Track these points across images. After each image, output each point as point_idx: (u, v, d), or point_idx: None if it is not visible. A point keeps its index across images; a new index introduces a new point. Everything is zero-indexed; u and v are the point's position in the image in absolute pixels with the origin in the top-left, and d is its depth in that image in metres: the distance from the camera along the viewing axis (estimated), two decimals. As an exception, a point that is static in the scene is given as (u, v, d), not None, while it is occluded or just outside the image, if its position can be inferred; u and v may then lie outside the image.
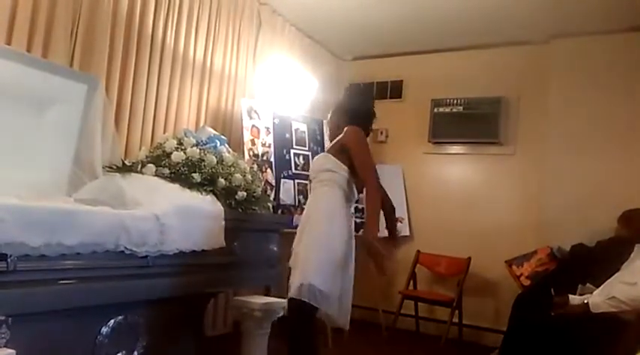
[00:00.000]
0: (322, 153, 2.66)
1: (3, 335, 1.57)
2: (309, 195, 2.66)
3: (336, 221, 2.43)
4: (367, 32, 4.81)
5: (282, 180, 4.04)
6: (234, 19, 4.05)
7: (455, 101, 4.88)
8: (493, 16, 4.25)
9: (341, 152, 2.51)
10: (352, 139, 2.50)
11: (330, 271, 2.31)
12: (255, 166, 3.56)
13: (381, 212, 2.61)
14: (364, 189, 2.50)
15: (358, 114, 2.67)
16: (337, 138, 2.58)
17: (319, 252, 2.33)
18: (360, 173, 2.48)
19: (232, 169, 2.78)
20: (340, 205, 2.48)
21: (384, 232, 2.81)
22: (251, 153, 3.85)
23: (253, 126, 3.97)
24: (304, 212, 2.57)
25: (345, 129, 2.54)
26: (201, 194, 2.52)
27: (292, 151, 4.24)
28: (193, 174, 2.57)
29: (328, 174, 2.49)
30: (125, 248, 1.99)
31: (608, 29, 4.17)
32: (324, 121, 4.03)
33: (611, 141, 4.17)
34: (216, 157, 2.71)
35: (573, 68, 4.40)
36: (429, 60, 5.16)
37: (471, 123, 4.80)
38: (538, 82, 4.58)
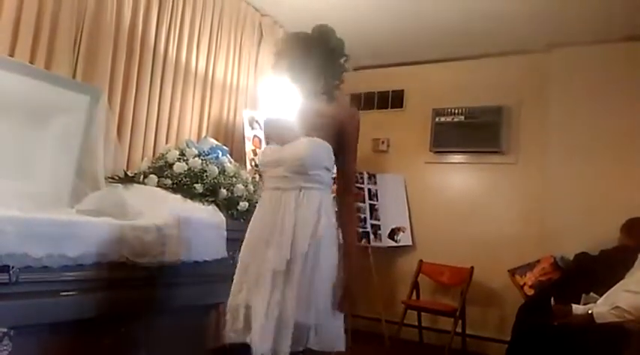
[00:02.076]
0: (319, 140, 1.85)
1: (5, 347, 1.57)
2: (281, 196, 1.86)
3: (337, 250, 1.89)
4: (368, 42, 4.82)
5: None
6: (236, 30, 4.07)
7: (456, 110, 4.88)
8: (493, 26, 4.27)
9: (330, 138, 1.88)
10: (356, 127, 1.93)
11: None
12: (257, 176, 3.56)
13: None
14: (341, 197, 1.96)
15: (333, 62, 2.04)
16: (325, 113, 1.92)
17: (329, 294, 1.81)
18: (347, 174, 1.95)
19: (234, 180, 2.79)
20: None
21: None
22: (253, 163, 3.85)
23: (255, 136, 3.97)
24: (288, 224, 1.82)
25: (351, 110, 2.05)
26: (203, 204, 2.53)
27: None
28: (195, 185, 2.57)
29: (324, 173, 1.89)
30: (127, 259, 1.99)
31: (607, 38, 4.18)
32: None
33: (613, 148, 4.16)
34: (218, 168, 2.72)
35: (573, 77, 4.40)
36: (430, 70, 5.17)
37: (472, 132, 4.80)
38: (539, 91, 4.58)
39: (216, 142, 3.28)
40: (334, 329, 1.82)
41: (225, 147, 3.17)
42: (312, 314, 1.75)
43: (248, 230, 1.93)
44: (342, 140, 1.90)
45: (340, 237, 1.91)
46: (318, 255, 1.80)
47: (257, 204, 2.00)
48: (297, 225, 1.81)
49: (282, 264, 1.76)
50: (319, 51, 1.98)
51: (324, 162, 1.87)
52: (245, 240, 1.93)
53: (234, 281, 1.88)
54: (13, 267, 1.60)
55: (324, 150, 1.87)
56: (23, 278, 1.63)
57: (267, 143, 2.10)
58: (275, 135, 2.01)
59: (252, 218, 1.95)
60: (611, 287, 3.07)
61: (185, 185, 2.56)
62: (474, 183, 4.91)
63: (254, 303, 1.78)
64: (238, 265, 1.91)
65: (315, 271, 1.78)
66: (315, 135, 1.86)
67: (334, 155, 1.89)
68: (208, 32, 3.81)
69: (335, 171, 1.93)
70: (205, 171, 2.65)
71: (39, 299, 1.72)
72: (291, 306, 1.73)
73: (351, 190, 1.96)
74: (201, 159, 2.71)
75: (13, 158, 2.24)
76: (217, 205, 2.59)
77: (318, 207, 1.84)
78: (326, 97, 1.98)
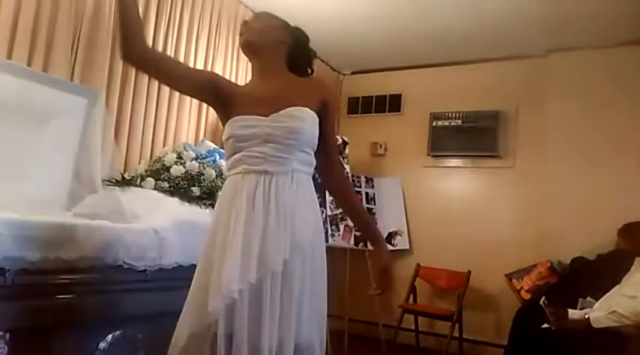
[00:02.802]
0: (311, 111, 1.63)
1: (1, 351, 1.56)
2: (271, 181, 1.56)
3: None
4: (366, 46, 4.84)
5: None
6: (234, 33, 4.07)
7: (454, 115, 4.90)
8: (492, 31, 4.28)
9: (315, 109, 1.66)
10: (334, 98, 1.79)
11: None
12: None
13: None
14: (333, 182, 1.78)
15: (305, 57, 1.84)
16: (305, 82, 1.75)
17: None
18: (332, 149, 1.76)
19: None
20: None
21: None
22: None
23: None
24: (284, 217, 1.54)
25: (323, 81, 1.87)
26: (200, 208, 2.52)
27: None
28: (192, 188, 2.57)
29: (311, 154, 1.67)
30: (124, 262, 1.98)
31: (605, 43, 4.20)
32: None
33: (610, 153, 4.17)
34: (215, 171, 2.71)
35: (571, 82, 4.42)
36: (427, 74, 5.19)
37: (469, 136, 4.81)
38: (536, 95, 4.60)
39: (213, 145, 3.28)
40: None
41: (222, 150, 3.16)
42: (320, 327, 1.54)
43: (212, 230, 1.64)
44: (325, 115, 1.70)
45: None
46: (315, 255, 1.59)
47: (223, 192, 1.68)
48: (296, 217, 1.53)
49: (279, 264, 1.47)
50: (292, 37, 1.79)
51: (316, 136, 1.65)
52: (207, 244, 1.65)
53: (193, 300, 1.59)
54: (8, 270, 1.59)
55: (315, 123, 1.65)
56: (19, 282, 1.62)
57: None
58: (244, 104, 1.66)
59: (218, 214, 1.64)
60: (608, 291, 3.08)
61: (182, 188, 2.56)
62: (471, 188, 4.92)
63: (240, 333, 1.44)
64: (197, 277, 1.61)
65: (316, 274, 1.58)
66: (302, 105, 1.62)
67: (322, 137, 1.69)
68: (206, 34, 3.81)
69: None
70: (202, 174, 2.65)
71: (35, 302, 1.71)
72: (293, 324, 1.48)
73: (340, 165, 1.81)
74: (199, 162, 2.70)
75: (10, 160, 2.23)
76: (214, 208, 2.59)
77: (311, 195, 1.62)
78: (294, 74, 1.78)
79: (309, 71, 1.84)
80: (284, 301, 1.49)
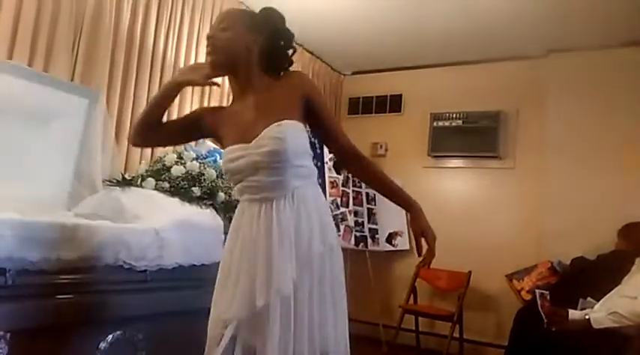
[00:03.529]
0: (289, 121, 1.53)
1: (1, 351, 1.56)
2: (272, 207, 1.52)
3: None
4: (367, 47, 4.84)
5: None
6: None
7: (454, 115, 4.90)
8: (492, 31, 4.28)
9: (298, 114, 1.57)
10: (317, 87, 1.70)
11: None
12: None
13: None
14: (351, 164, 1.72)
15: (281, 56, 1.70)
16: (278, 88, 1.62)
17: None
18: (336, 134, 1.67)
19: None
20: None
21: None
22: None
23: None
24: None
25: (298, 74, 1.72)
26: (201, 208, 2.52)
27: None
28: (193, 188, 2.57)
29: (309, 161, 1.60)
30: (124, 262, 1.98)
31: (606, 44, 4.20)
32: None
33: (610, 154, 4.17)
34: (216, 171, 2.71)
35: (571, 82, 4.42)
36: (428, 74, 5.19)
37: (470, 137, 4.81)
38: (537, 96, 4.60)
39: (214, 145, 3.27)
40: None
41: (223, 151, 3.16)
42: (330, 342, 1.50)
43: (223, 255, 1.64)
44: (312, 107, 1.60)
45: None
46: (330, 265, 1.53)
47: (233, 218, 1.68)
48: (300, 235, 1.50)
49: (289, 287, 1.44)
50: (262, 34, 1.64)
51: (305, 145, 1.57)
52: (220, 268, 1.63)
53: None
54: (9, 270, 1.59)
55: (301, 132, 1.55)
56: (20, 282, 1.62)
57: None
58: (231, 133, 1.63)
59: (228, 241, 1.65)
60: (608, 292, 3.07)
61: (183, 188, 2.55)
62: (471, 188, 4.92)
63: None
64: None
65: (331, 287, 1.53)
66: (282, 116, 1.53)
67: (316, 130, 1.66)
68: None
69: (326, 151, 1.68)
70: (203, 174, 2.65)
71: (35, 302, 1.71)
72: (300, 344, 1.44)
73: (360, 154, 1.68)
74: (199, 163, 2.70)
75: (10, 161, 2.23)
76: (215, 208, 2.59)
77: (315, 207, 1.55)
78: (266, 77, 1.66)
79: (288, 64, 1.71)
80: (297, 322, 1.45)
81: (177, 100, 3.55)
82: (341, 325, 1.57)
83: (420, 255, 1.70)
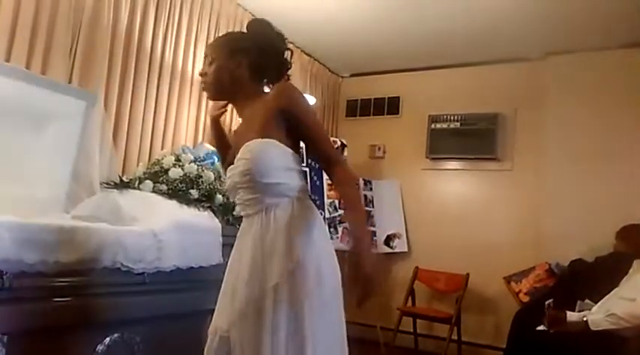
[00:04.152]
0: (256, 141, 1.52)
1: (-2, 353, 1.56)
2: (251, 223, 1.58)
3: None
4: (365, 49, 4.85)
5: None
6: (233, 36, 4.08)
7: (452, 117, 4.90)
8: (490, 33, 4.29)
9: (277, 128, 1.54)
10: (298, 98, 1.59)
11: None
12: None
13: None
14: (333, 178, 1.60)
15: (277, 66, 1.70)
16: (258, 109, 1.59)
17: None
18: (325, 152, 1.60)
19: (230, 185, 2.78)
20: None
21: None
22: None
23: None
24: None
25: (277, 86, 1.65)
26: (199, 210, 2.52)
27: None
28: (191, 191, 2.57)
29: (285, 177, 1.55)
30: (122, 264, 1.98)
31: (604, 45, 4.21)
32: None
33: (608, 156, 4.18)
34: (213, 174, 2.71)
35: (570, 84, 4.43)
36: (426, 76, 5.20)
37: (468, 139, 4.82)
38: (535, 98, 4.61)
39: (212, 148, 3.28)
40: None
41: (221, 153, 3.16)
42: None
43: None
44: (291, 118, 1.54)
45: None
46: (302, 286, 1.43)
47: None
48: (266, 253, 1.48)
49: (249, 307, 1.44)
50: (256, 52, 1.65)
51: (275, 161, 1.52)
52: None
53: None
54: (6, 273, 1.59)
55: (269, 149, 1.51)
56: (17, 284, 1.62)
57: None
58: (231, 153, 1.69)
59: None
60: (606, 293, 3.08)
61: (181, 191, 2.55)
62: (469, 190, 4.92)
63: None
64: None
65: (299, 309, 1.42)
66: (256, 136, 1.52)
67: (305, 144, 1.60)
68: (205, 37, 3.82)
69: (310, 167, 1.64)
70: (201, 176, 2.65)
71: (33, 305, 1.71)
72: None
73: (342, 167, 1.57)
74: (197, 165, 2.70)
75: (8, 163, 2.23)
76: (213, 211, 2.59)
77: (288, 223, 1.49)
78: (263, 92, 1.68)
79: (286, 68, 1.71)
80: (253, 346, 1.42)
81: (174, 107, 3.57)
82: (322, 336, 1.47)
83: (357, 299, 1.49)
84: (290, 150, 1.56)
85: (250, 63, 1.65)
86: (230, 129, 3.62)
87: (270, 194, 1.53)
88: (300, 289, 1.43)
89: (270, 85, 1.70)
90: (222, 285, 1.62)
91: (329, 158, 1.59)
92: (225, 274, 1.62)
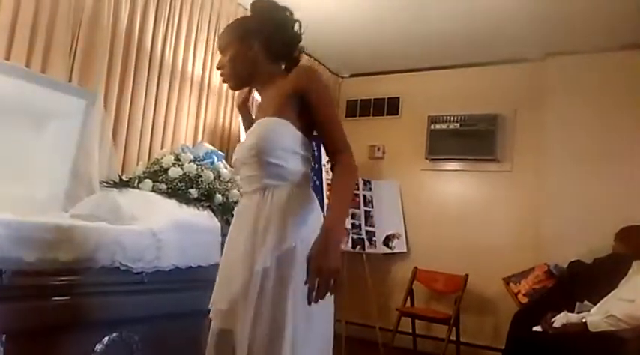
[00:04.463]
0: (270, 118, 1.53)
1: (-4, 352, 1.56)
2: (247, 201, 1.58)
3: None
4: (365, 49, 4.85)
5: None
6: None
7: (452, 118, 4.90)
8: (490, 34, 4.29)
9: (291, 110, 1.53)
10: (318, 80, 1.58)
11: None
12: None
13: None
14: (336, 164, 1.55)
15: (287, 40, 1.68)
16: (277, 88, 1.59)
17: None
18: (334, 138, 1.55)
19: (229, 185, 2.78)
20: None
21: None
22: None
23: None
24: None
25: (298, 67, 1.64)
26: (198, 209, 2.52)
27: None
28: (190, 190, 2.56)
29: (290, 160, 1.52)
30: (121, 264, 1.98)
31: (604, 47, 4.21)
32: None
33: (608, 158, 4.18)
34: (213, 173, 2.71)
35: (569, 85, 4.43)
36: (425, 77, 5.20)
37: (467, 139, 4.81)
38: (534, 99, 4.61)
39: (211, 147, 3.28)
40: None
41: (220, 153, 3.16)
42: (282, 348, 1.35)
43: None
44: (308, 102, 1.52)
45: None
46: (289, 271, 1.41)
47: None
48: (258, 236, 1.46)
49: (244, 288, 1.44)
50: (265, 31, 1.64)
51: (283, 142, 1.50)
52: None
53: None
54: (5, 271, 1.59)
55: (279, 128, 1.50)
56: (16, 283, 1.62)
57: None
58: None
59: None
60: (605, 295, 3.08)
61: (180, 190, 2.55)
62: (469, 191, 4.92)
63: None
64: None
65: (281, 293, 1.39)
66: (270, 113, 1.53)
67: (316, 122, 1.55)
68: (205, 37, 3.82)
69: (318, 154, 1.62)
70: (200, 176, 2.64)
71: (31, 303, 1.70)
72: (245, 341, 1.40)
73: (347, 154, 1.54)
74: (197, 164, 2.70)
75: (8, 161, 2.23)
76: (212, 210, 2.59)
77: (285, 208, 1.47)
78: (283, 73, 1.67)
79: (296, 42, 1.68)
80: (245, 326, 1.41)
81: (174, 107, 3.57)
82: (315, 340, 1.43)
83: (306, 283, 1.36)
84: (300, 134, 1.53)
85: (262, 43, 1.63)
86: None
87: (270, 174, 1.51)
88: (287, 276, 1.41)
89: (286, 64, 1.70)
90: (222, 259, 1.62)
91: (337, 142, 1.55)
92: (225, 248, 1.62)
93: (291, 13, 1.68)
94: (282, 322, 1.38)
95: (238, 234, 1.55)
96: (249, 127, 1.72)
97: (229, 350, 1.48)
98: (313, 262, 1.34)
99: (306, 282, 1.34)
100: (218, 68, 1.72)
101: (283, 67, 1.70)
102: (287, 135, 1.51)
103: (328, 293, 1.36)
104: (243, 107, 1.85)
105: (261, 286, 1.41)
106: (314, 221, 1.50)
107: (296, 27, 1.68)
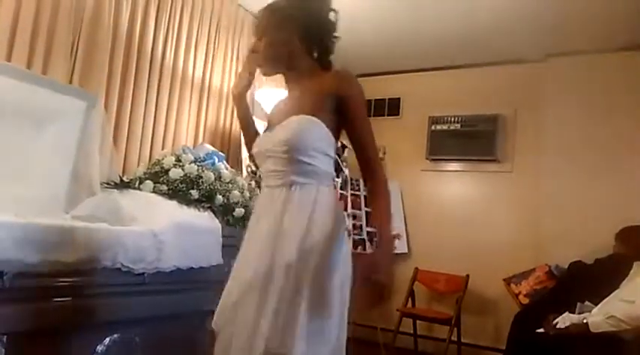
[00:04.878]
0: (308, 117, 1.51)
1: (-3, 354, 1.56)
2: (271, 195, 1.57)
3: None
4: (365, 50, 4.84)
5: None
6: (234, 36, 4.08)
7: (452, 118, 4.90)
8: (490, 35, 4.29)
9: (330, 113, 1.53)
10: (356, 89, 1.58)
11: None
12: (253, 183, 3.56)
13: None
14: (364, 177, 1.60)
15: (323, 27, 1.67)
16: (316, 84, 1.58)
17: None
18: (366, 152, 1.57)
19: (230, 186, 2.78)
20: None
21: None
22: (249, 169, 3.85)
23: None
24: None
25: (339, 70, 1.62)
26: (199, 210, 2.52)
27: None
28: (191, 191, 2.57)
29: (320, 160, 1.54)
30: (122, 265, 1.98)
31: (603, 48, 4.21)
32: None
33: (608, 158, 4.18)
34: (214, 174, 2.71)
35: (569, 86, 4.43)
36: (426, 77, 5.20)
37: (468, 140, 4.81)
38: (535, 100, 4.61)
39: (212, 148, 3.28)
40: None
41: (221, 154, 3.16)
42: (295, 341, 1.36)
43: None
44: (345, 109, 1.54)
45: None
46: (305, 268, 1.42)
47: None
48: (283, 231, 1.47)
49: (258, 279, 1.46)
50: (301, 17, 1.63)
51: (317, 142, 1.51)
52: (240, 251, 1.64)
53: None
54: (7, 273, 1.59)
55: (316, 129, 1.51)
56: (17, 284, 1.62)
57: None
58: (271, 119, 1.70)
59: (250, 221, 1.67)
60: (606, 295, 3.08)
61: (181, 191, 2.55)
62: (469, 191, 4.92)
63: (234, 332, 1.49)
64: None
65: (300, 290, 1.41)
66: (306, 111, 1.52)
67: (347, 133, 1.58)
68: (206, 38, 3.82)
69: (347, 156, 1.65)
70: (201, 177, 2.65)
71: (33, 305, 1.70)
72: (261, 332, 1.40)
73: (379, 170, 1.57)
74: (198, 165, 2.70)
75: (8, 163, 2.23)
76: (213, 211, 2.59)
77: (312, 205, 1.48)
78: (318, 67, 1.66)
79: (329, 55, 1.69)
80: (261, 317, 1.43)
81: (175, 108, 3.57)
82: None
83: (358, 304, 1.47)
84: (331, 136, 1.54)
85: (299, 30, 1.62)
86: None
87: (299, 171, 1.51)
88: (307, 273, 1.42)
89: (319, 53, 1.67)
90: (241, 250, 1.61)
91: (370, 158, 1.57)
92: (245, 239, 1.61)
93: (328, 7, 1.66)
94: (298, 316, 1.39)
95: (260, 227, 1.55)
96: (244, 121, 1.78)
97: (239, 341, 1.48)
98: (366, 271, 1.40)
99: (353, 288, 1.43)
100: (252, 51, 1.69)
101: (316, 55, 1.67)
102: (320, 136, 1.52)
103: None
104: (241, 97, 1.78)
105: (284, 280, 1.42)
106: (338, 220, 1.53)
107: (332, 15, 1.66)
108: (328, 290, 1.43)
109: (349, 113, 1.54)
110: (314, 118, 1.51)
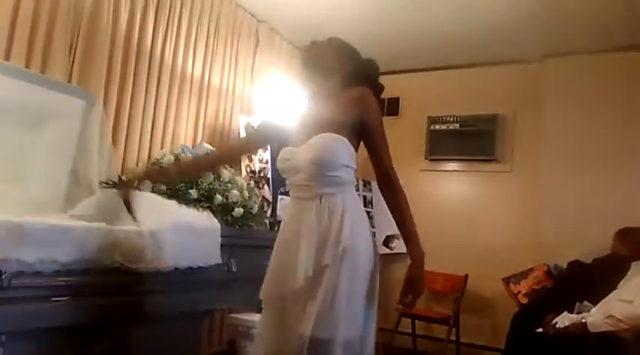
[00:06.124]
0: (333, 135, 1.70)
1: (-5, 353, 1.56)
2: (303, 205, 1.75)
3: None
4: (364, 50, 4.82)
5: (279, 197, 4.03)
6: (233, 36, 4.08)
7: (451, 118, 4.90)
8: (489, 35, 4.29)
9: (351, 130, 1.74)
10: (375, 109, 1.79)
11: None
12: (252, 182, 3.56)
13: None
14: (382, 188, 1.87)
15: (369, 69, 2.05)
16: (337, 104, 1.78)
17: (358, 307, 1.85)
18: (383, 163, 1.81)
19: (229, 185, 2.78)
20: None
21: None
22: (248, 169, 3.85)
23: (250, 142, 3.96)
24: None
25: (357, 90, 1.82)
26: (198, 210, 2.52)
27: (289, 168, 4.22)
28: (190, 191, 2.57)
29: (344, 173, 1.74)
30: (120, 264, 1.98)
31: (602, 48, 4.21)
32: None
33: (607, 158, 4.18)
34: (213, 174, 2.71)
35: (568, 86, 4.43)
36: (425, 77, 5.20)
37: (467, 140, 4.82)
38: (533, 100, 4.61)
39: (211, 148, 3.28)
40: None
41: (220, 153, 3.16)
42: (336, 328, 1.61)
43: (276, 242, 1.84)
44: (365, 127, 1.76)
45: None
46: (341, 266, 1.64)
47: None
48: (319, 238, 1.66)
49: (300, 281, 1.64)
50: (351, 67, 1.95)
51: (343, 159, 1.71)
52: (272, 254, 1.83)
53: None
54: (5, 272, 1.59)
55: (341, 146, 1.70)
56: (15, 284, 1.61)
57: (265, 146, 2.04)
58: (293, 134, 1.88)
59: (280, 229, 1.86)
60: (605, 295, 3.08)
61: (180, 190, 2.56)
62: (468, 191, 4.92)
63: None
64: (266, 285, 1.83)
65: (338, 285, 1.62)
66: (329, 131, 1.70)
67: (367, 147, 1.79)
68: (205, 38, 3.81)
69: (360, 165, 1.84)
70: (200, 176, 2.65)
71: (31, 304, 1.70)
72: (307, 320, 1.60)
73: (395, 178, 1.84)
74: (197, 165, 2.70)
75: (7, 162, 2.23)
76: (212, 211, 2.59)
77: (341, 212, 1.68)
78: (340, 86, 1.87)
79: (354, 78, 1.92)
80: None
81: (173, 107, 3.56)
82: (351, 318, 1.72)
83: (400, 302, 1.85)
84: (353, 150, 1.75)
85: (345, 73, 1.89)
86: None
87: (329, 184, 1.70)
88: (344, 270, 1.64)
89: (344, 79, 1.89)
90: (272, 261, 1.81)
91: (387, 171, 1.80)
92: (277, 248, 1.81)
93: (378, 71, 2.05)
94: (337, 296, 1.62)
95: (296, 237, 1.71)
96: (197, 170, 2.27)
97: (287, 334, 1.67)
98: (410, 288, 1.86)
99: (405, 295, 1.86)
100: (306, 47, 1.98)
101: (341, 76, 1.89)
102: (346, 153, 1.72)
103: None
104: (126, 197, 1.98)
105: (326, 278, 1.62)
106: (364, 221, 1.79)
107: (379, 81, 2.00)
108: (361, 283, 1.72)
109: (369, 130, 1.76)
110: (340, 137, 1.70)
